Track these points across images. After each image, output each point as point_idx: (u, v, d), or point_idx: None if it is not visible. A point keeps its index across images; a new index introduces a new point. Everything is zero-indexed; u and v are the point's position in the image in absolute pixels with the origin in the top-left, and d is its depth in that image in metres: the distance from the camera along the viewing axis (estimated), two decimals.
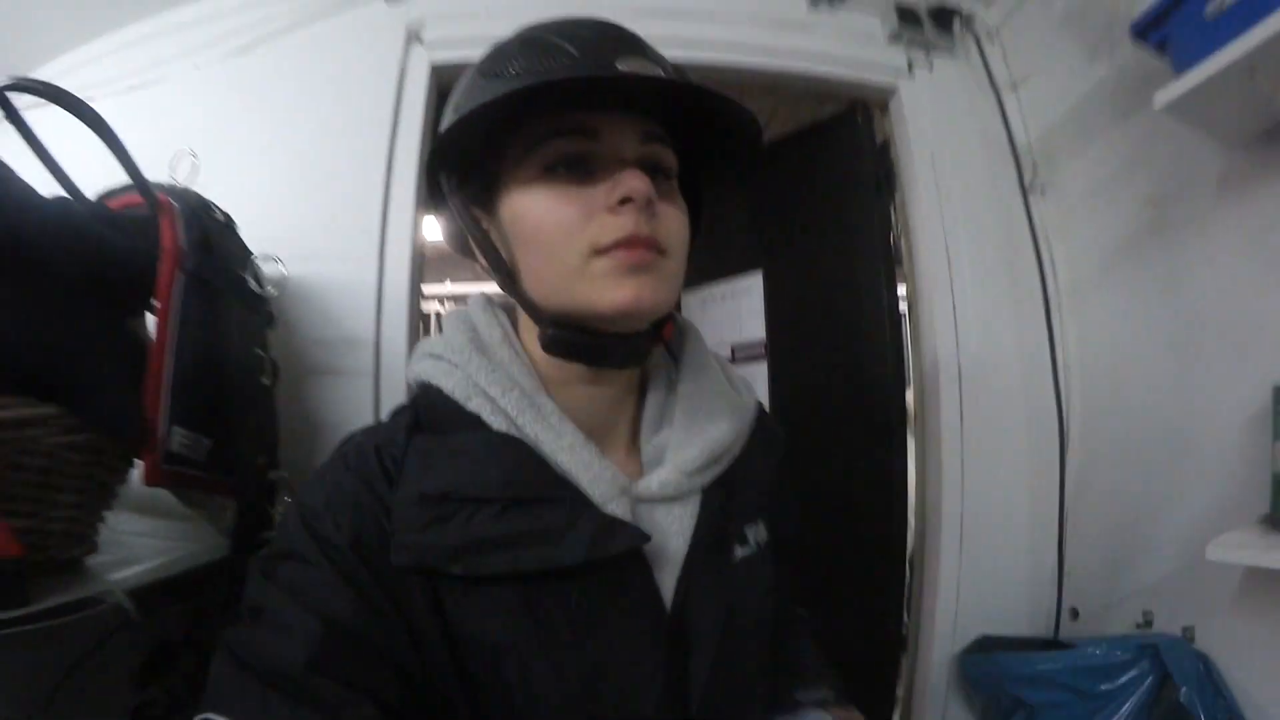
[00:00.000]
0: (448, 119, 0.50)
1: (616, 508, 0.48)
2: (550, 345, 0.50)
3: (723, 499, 0.54)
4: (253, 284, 0.93)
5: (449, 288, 3.46)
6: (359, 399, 1.19)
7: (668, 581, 0.50)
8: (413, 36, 1.37)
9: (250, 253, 0.97)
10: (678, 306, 0.59)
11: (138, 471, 0.76)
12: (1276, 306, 0.98)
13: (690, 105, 0.47)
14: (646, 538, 0.48)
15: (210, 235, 0.83)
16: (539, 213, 0.47)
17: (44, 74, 1.39)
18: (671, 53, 0.53)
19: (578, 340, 0.49)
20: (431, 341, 0.55)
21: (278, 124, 1.31)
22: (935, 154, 1.46)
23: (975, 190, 1.46)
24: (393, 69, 1.34)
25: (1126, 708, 1.05)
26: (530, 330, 0.53)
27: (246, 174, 1.22)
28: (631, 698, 0.47)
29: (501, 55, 0.49)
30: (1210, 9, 0.87)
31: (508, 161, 0.49)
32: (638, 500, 0.51)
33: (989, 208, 1.46)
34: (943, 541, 1.36)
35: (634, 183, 0.45)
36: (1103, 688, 1.08)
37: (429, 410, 0.51)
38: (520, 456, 0.48)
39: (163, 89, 1.34)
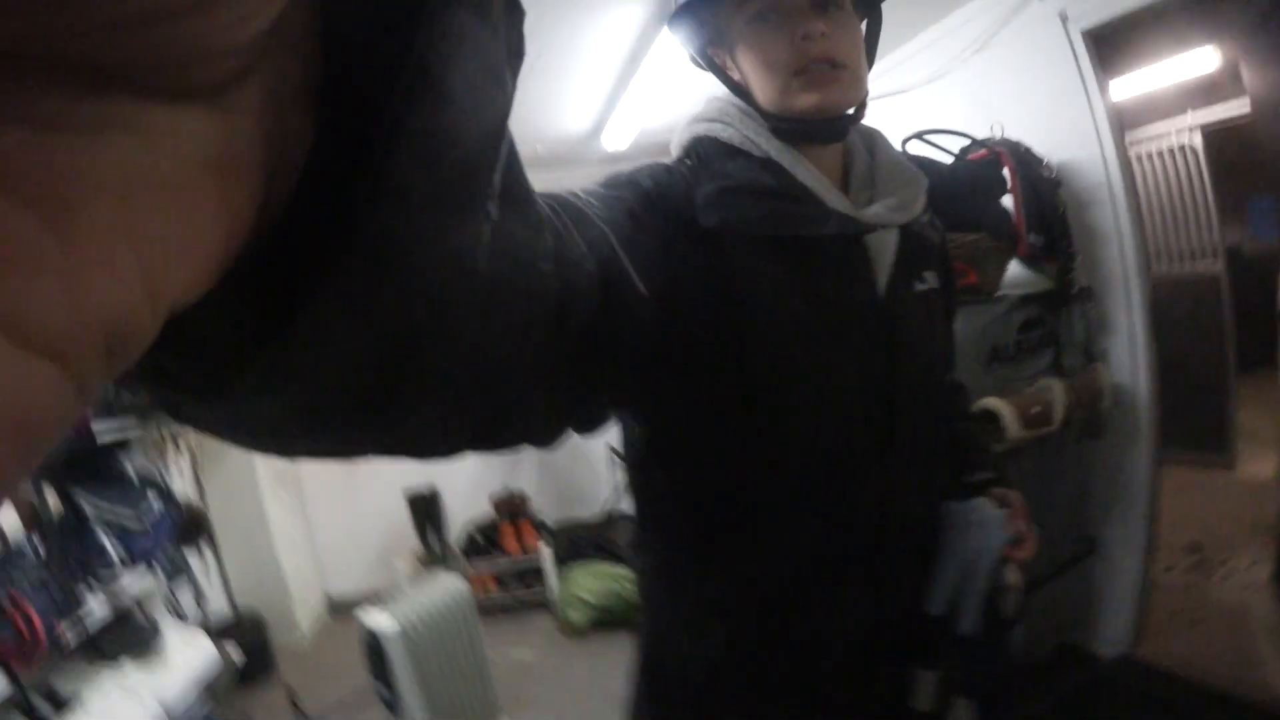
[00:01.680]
0: None
1: (847, 211, 0.68)
2: (776, 133, 0.69)
3: (909, 240, 0.73)
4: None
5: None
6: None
7: (882, 278, 0.70)
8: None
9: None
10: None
11: None
12: None
13: None
14: (874, 228, 0.68)
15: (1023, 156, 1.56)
16: (757, 49, 0.67)
17: (872, 74, 2.71)
18: None
19: (793, 128, 0.68)
20: (696, 115, 0.74)
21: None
22: None
23: None
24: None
25: None
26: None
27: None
28: (853, 364, 0.68)
29: None
30: None
31: (726, 14, 0.68)
32: (861, 220, 0.69)
33: None
34: None
35: (807, 25, 0.64)
36: None
37: (702, 156, 0.70)
38: (784, 171, 0.68)
39: (947, 81, 2.28)
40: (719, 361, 0.64)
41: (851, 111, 0.70)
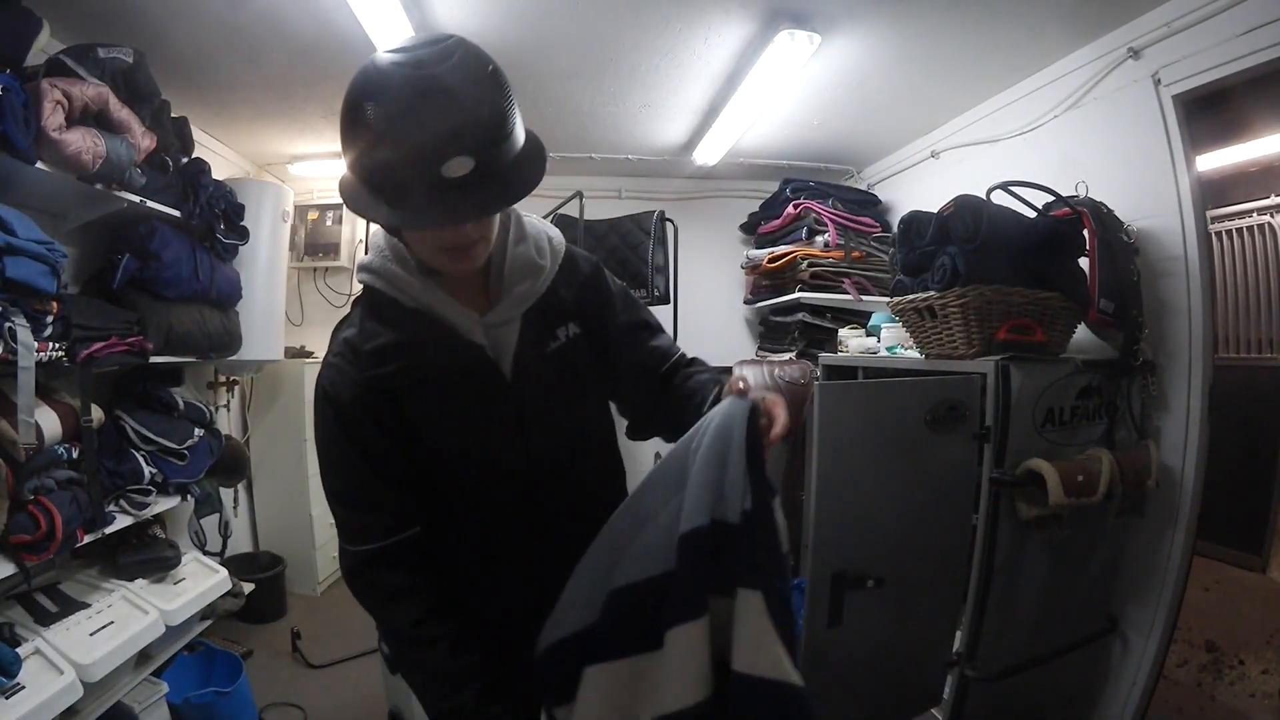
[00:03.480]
0: (349, 150, 0.75)
1: (475, 334, 0.87)
2: (421, 269, 0.86)
3: (535, 317, 0.91)
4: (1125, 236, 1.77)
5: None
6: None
7: (507, 366, 0.89)
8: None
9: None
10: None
11: None
12: None
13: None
14: (481, 347, 0.87)
15: (1104, 219, 1.48)
16: (410, 235, 0.82)
17: (965, 119, 2.55)
18: None
19: (437, 270, 0.85)
20: (361, 262, 0.91)
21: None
22: None
23: None
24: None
25: None
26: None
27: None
28: (498, 440, 0.89)
29: (366, 152, 0.72)
30: None
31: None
32: (488, 325, 0.88)
33: None
34: None
35: (465, 231, 0.77)
36: None
37: (371, 301, 0.89)
38: (420, 319, 0.86)
39: (1036, 133, 2.30)
40: (414, 462, 0.88)
41: None
